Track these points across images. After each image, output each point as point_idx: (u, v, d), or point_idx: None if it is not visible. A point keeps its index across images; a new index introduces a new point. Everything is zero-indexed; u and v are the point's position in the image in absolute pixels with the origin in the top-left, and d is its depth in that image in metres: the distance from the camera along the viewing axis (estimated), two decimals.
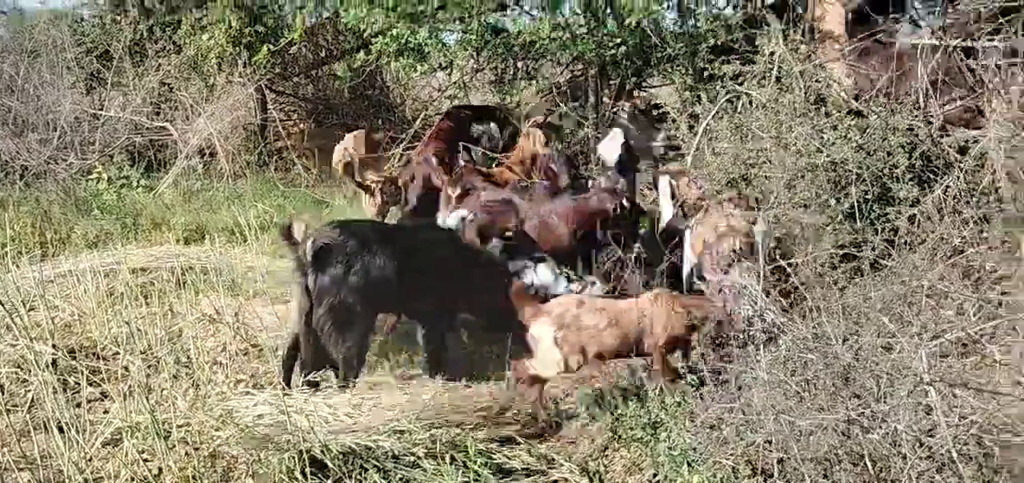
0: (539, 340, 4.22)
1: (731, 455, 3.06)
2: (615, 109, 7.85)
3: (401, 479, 3.56)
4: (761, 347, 3.30)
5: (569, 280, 5.12)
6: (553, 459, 3.87)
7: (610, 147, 6.53)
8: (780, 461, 2.94)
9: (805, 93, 4.84)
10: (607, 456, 3.88)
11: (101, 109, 10.57)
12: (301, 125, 11.64)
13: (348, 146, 7.99)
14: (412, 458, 3.69)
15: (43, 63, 10.96)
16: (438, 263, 4.70)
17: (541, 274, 5.07)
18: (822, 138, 4.44)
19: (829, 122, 4.60)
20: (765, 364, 3.09)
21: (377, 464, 3.60)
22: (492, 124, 8.35)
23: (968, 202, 3.97)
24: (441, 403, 4.19)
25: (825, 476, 2.82)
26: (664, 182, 5.24)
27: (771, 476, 2.93)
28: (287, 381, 4.46)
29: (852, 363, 2.91)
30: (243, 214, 7.82)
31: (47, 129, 10.14)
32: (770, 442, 2.94)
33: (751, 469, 3.01)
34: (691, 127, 6.28)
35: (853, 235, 4.10)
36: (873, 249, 3.89)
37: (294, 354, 4.51)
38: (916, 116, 4.67)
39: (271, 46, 9.74)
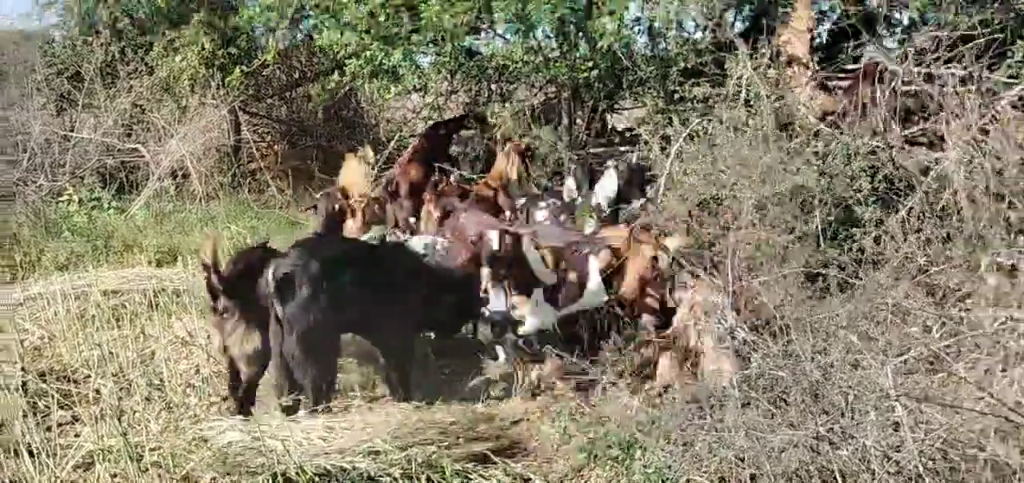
0: None
1: (705, 472, 3.11)
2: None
3: None
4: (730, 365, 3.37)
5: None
6: (529, 479, 3.90)
7: (606, 184, 6.51)
8: (752, 478, 3.00)
9: (774, 116, 4.95)
10: (582, 476, 3.91)
11: (72, 130, 10.48)
12: (275, 147, 11.62)
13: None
14: (388, 478, 3.69)
15: (12, 84, 10.86)
16: (398, 283, 4.67)
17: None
18: (786, 164, 4.55)
19: (794, 146, 4.71)
20: (736, 381, 3.15)
21: None
22: (472, 133, 8.42)
23: (931, 222, 4.07)
24: (414, 423, 4.21)
25: None
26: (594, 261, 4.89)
27: None
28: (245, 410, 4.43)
29: (821, 380, 2.98)
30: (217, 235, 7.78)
31: (16, 150, 10.05)
32: (742, 459, 3.00)
33: None
34: (663, 149, 6.37)
35: (819, 255, 4.19)
36: (840, 268, 3.98)
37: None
38: (877, 140, 4.80)
39: (244, 68, 9.74)
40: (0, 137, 10.28)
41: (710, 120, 5.77)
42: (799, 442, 2.87)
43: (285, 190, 10.12)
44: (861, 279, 3.85)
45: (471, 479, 3.78)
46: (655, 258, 4.38)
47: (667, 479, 3.22)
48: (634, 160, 7.65)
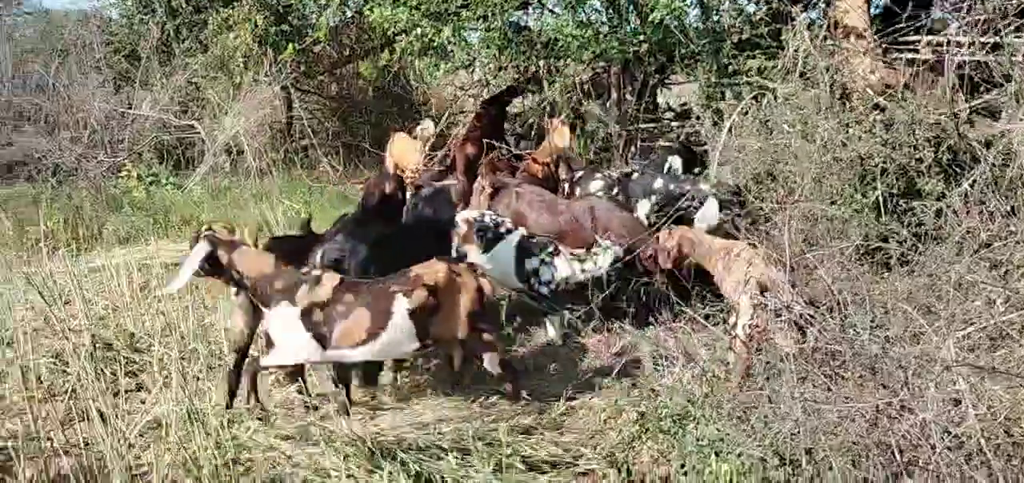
0: None
1: (759, 445, 3.09)
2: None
3: (425, 471, 3.61)
4: (787, 339, 3.33)
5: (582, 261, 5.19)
6: (580, 451, 3.93)
7: (708, 212, 5.89)
8: (808, 451, 2.98)
9: (830, 88, 4.85)
10: (634, 448, 3.93)
11: (129, 108, 10.74)
12: (326, 123, 11.77)
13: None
14: (436, 450, 3.76)
15: (73, 63, 11.16)
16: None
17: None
18: (847, 132, 4.46)
19: (854, 116, 4.62)
20: (792, 355, 3.12)
21: (403, 456, 3.67)
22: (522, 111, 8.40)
23: (995, 196, 3.97)
24: (463, 399, 4.29)
25: (853, 465, 2.85)
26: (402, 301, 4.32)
27: (799, 465, 2.97)
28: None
29: (879, 354, 2.94)
30: (271, 211, 7.95)
31: (78, 127, 10.34)
32: (798, 433, 2.98)
33: (779, 459, 3.04)
34: (715, 123, 6.31)
35: (879, 228, 4.11)
36: (900, 242, 3.90)
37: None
38: (942, 111, 4.67)
39: (296, 45, 9.87)
40: (62, 114, 10.57)
41: (765, 93, 5.69)
42: (856, 416, 2.84)
43: (336, 166, 10.25)
44: (922, 253, 3.77)
45: (522, 451, 3.82)
46: (480, 290, 4.10)
47: (720, 452, 3.22)
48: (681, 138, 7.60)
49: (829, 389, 2.98)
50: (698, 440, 3.33)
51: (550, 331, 5.28)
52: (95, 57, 11.27)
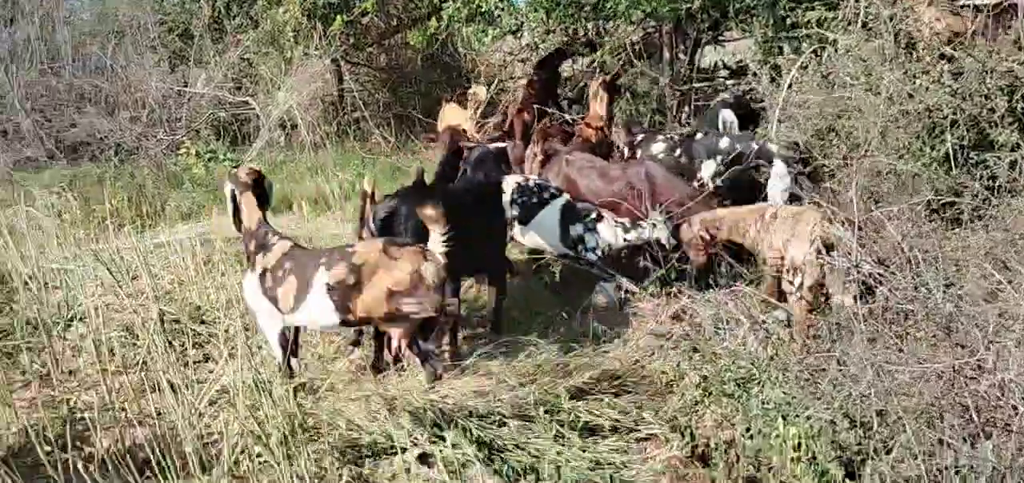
0: None
1: (828, 408, 3.03)
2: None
3: (485, 437, 3.63)
4: (857, 299, 3.24)
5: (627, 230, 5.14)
6: (641, 416, 3.91)
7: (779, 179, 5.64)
8: (880, 413, 2.91)
9: (895, 38, 4.67)
10: (697, 412, 3.89)
11: (185, 86, 10.93)
12: (376, 95, 11.82)
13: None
14: (498, 417, 3.77)
15: (128, 43, 11.38)
16: (495, 215, 5.00)
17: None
18: (914, 83, 4.29)
19: (921, 66, 4.44)
20: (862, 315, 3.04)
21: (465, 423, 3.69)
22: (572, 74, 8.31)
23: None
24: (522, 362, 4.29)
25: (928, 426, 2.78)
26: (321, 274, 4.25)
27: (870, 427, 2.90)
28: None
29: (954, 312, 2.84)
30: (326, 183, 8.03)
31: (136, 107, 10.56)
32: (868, 395, 2.91)
33: (850, 421, 2.98)
34: (773, 79, 6.15)
35: (950, 182, 3.96)
36: (973, 196, 3.75)
37: None
38: (1015, 58, 4.46)
39: (344, 17, 9.89)
40: (121, 94, 10.80)
41: (825, 46, 5.52)
42: (931, 376, 2.76)
43: (388, 137, 10.30)
44: (996, 207, 3.63)
45: (583, 416, 3.81)
46: (417, 272, 3.86)
47: (787, 415, 3.16)
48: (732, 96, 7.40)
49: (901, 349, 2.90)
50: (764, 403, 3.28)
51: (602, 296, 5.24)
52: (150, 37, 11.48)
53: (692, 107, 7.97)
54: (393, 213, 4.51)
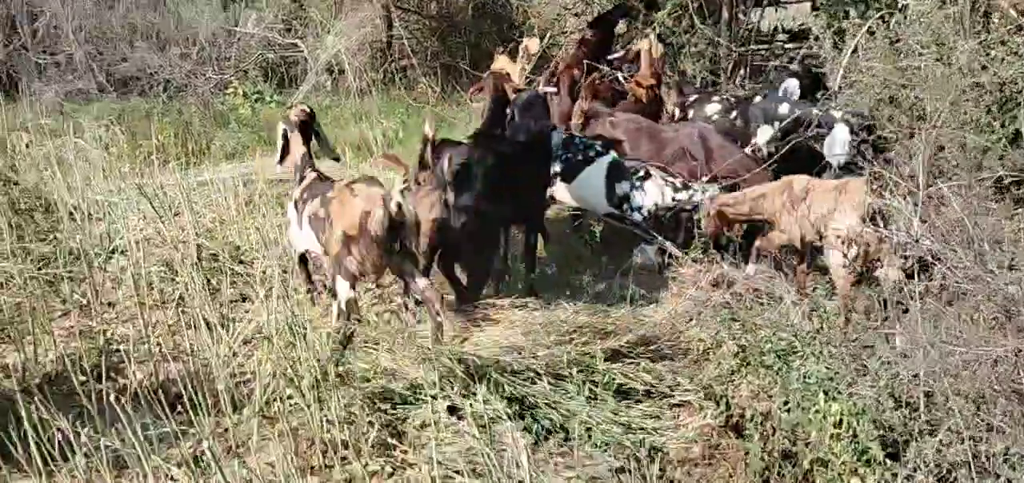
0: None
1: (873, 386, 2.90)
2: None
3: (517, 393, 3.57)
4: (915, 276, 3.08)
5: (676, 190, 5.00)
6: (677, 381, 3.81)
7: (838, 136, 5.37)
8: (927, 395, 2.78)
9: (972, 6, 4.41)
10: (733, 381, 3.78)
11: (236, 25, 10.94)
12: (425, 43, 11.70)
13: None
14: (531, 374, 3.71)
15: None
16: (542, 164, 4.99)
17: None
18: (988, 55, 4.05)
19: (997, 37, 4.18)
20: (918, 294, 2.88)
21: (498, 378, 3.63)
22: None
23: None
24: (557, 322, 4.21)
25: (977, 411, 2.64)
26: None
27: (916, 409, 2.77)
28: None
29: (1019, 296, 2.68)
30: (370, 130, 7.99)
31: (187, 44, 10.61)
32: (917, 376, 2.77)
33: (895, 401, 2.85)
34: (836, 45, 5.89)
35: (1020, 160, 3.74)
36: None
37: None
38: None
39: None
40: (173, 31, 10.86)
41: (894, 11, 5.26)
42: (986, 360, 2.61)
43: (434, 87, 10.20)
44: None
45: (617, 378, 3.73)
46: (368, 214, 3.79)
47: (829, 391, 3.04)
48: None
49: (959, 334, 2.75)
50: (804, 377, 3.16)
51: (641, 257, 5.12)
52: None
53: (748, 69, 7.71)
54: (465, 164, 4.46)
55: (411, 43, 11.21)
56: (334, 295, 4.10)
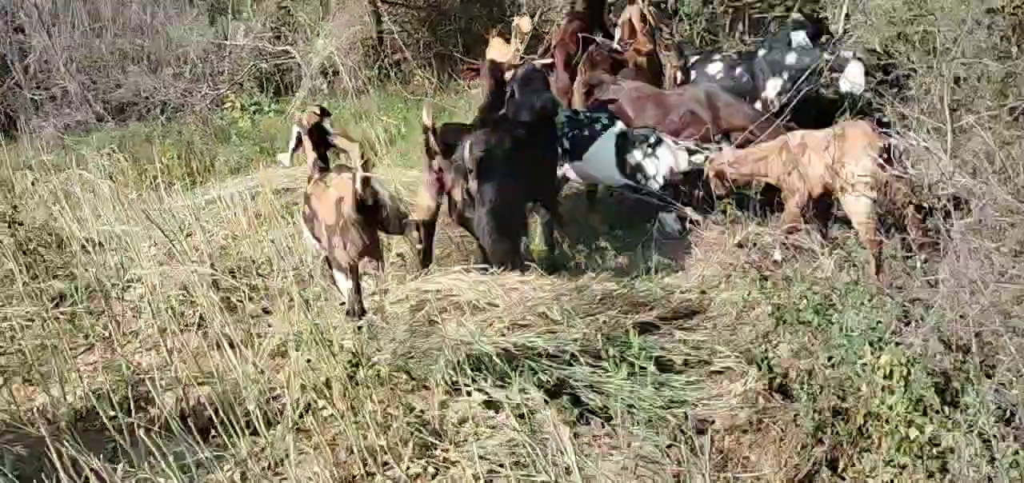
0: None
1: (920, 332, 2.83)
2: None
3: (559, 378, 3.52)
4: (951, 214, 2.99)
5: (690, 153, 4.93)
6: (714, 348, 3.75)
7: (852, 73, 5.27)
8: (978, 334, 2.70)
9: None
10: (770, 342, 3.71)
11: (225, 39, 10.84)
12: (416, 35, 11.58)
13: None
14: (567, 355, 3.64)
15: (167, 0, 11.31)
16: (552, 144, 4.99)
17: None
18: None
19: None
20: (958, 232, 2.80)
21: (533, 364, 3.57)
22: None
23: None
24: (586, 293, 4.14)
25: None
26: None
27: (969, 351, 2.70)
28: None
29: None
30: (371, 128, 7.91)
31: (178, 63, 10.52)
32: (966, 316, 2.69)
33: (945, 346, 2.77)
34: None
35: None
36: None
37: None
38: None
39: None
40: (163, 51, 10.76)
41: None
42: None
43: (431, 78, 10.09)
44: None
45: (653, 352, 3.66)
46: (340, 201, 3.86)
47: (874, 342, 2.96)
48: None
49: (1004, 268, 2.66)
50: (846, 331, 3.08)
51: (667, 224, 5.04)
52: None
53: (746, 24, 7.58)
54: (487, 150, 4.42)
55: (402, 36, 11.07)
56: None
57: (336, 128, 4.46)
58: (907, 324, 2.99)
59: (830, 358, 3.13)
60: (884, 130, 4.04)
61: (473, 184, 4.36)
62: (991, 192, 2.81)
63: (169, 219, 5.90)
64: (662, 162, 4.99)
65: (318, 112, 4.42)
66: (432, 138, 4.66)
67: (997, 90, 3.61)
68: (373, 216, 3.97)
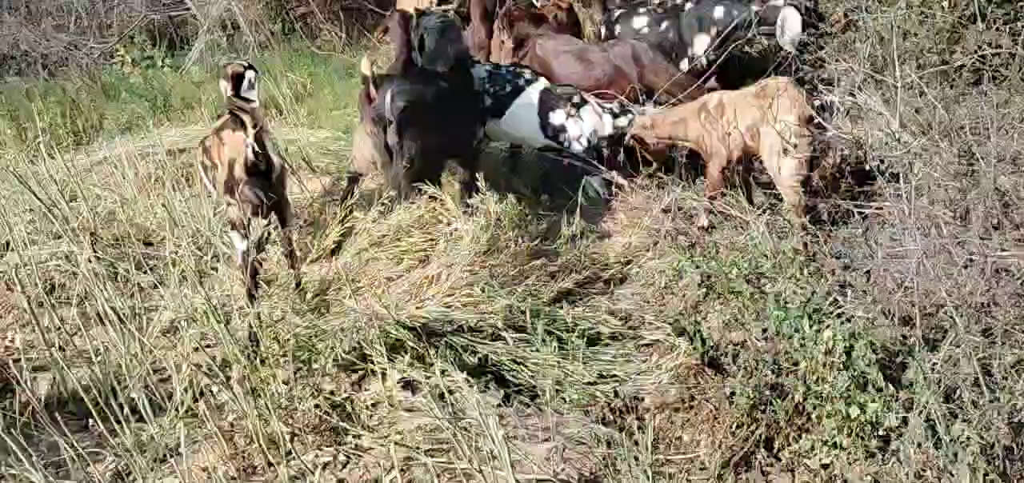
0: None
1: (862, 304, 2.70)
2: None
3: (477, 356, 3.28)
4: (902, 178, 2.84)
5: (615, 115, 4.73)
6: (642, 319, 3.57)
7: (790, 24, 4.94)
8: (921, 308, 2.59)
9: None
10: (699, 312, 3.57)
11: None
12: None
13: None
14: (490, 330, 3.40)
15: None
16: (472, 99, 4.75)
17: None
18: None
19: None
20: (909, 196, 2.66)
21: (452, 340, 3.32)
22: None
23: None
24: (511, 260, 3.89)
25: (978, 321, 2.46)
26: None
27: (912, 324, 2.58)
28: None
29: (1008, 188, 2.50)
30: (275, 87, 7.44)
31: (62, 14, 9.71)
32: (909, 287, 2.57)
33: (887, 318, 2.65)
34: None
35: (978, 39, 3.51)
36: (1012, 55, 3.34)
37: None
38: None
39: None
40: (45, 1, 9.91)
41: None
42: (987, 267, 2.42)
43: (339, 32, 9.59)
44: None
45: (581, 323, 3.46)
46: (233, 161, 3.78)
47: (811, 314, 2.82)
48: None
49: (954, 236, 2.55)
50: (783, 302, 2.93)
51: (591, 189, 4.82)
52: None
53: None
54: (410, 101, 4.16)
55: None
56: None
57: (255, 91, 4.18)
58: (845, 296, 2.85)
59: (764, 331, 2.99)
60: (809, 88, 3.91)
61: (392, 136, 4.10)
62: (941, 156, 2.69)
63: (51, 181, 5.36)
64: (586, 124, 4.77)
65: (244, 66, 4.29)
66: (372, 88, 4.38)
67: (944, 45, 3.48)
68: (267, 178, 3.79)
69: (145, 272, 4.37)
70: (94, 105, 7.75)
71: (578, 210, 4.42)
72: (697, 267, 3.61)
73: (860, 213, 3.55)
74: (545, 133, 4.85)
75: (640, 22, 5.49)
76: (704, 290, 3.51)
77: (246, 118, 3.72)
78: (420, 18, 4.74)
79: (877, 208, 3.13)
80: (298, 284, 4.00)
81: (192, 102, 7.57)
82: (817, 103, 3.83)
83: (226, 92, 4.27)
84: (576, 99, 4.81)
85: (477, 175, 4.58)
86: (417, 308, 3.36)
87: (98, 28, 9.64)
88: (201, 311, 3.60)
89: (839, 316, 2.71)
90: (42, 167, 5.60)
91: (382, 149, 4.22)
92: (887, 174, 2.94)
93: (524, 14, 6.53)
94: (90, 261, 4.17)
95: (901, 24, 3.53)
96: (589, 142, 4.76)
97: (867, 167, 3.23)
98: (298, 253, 4.14)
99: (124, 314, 3.70)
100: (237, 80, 4.22)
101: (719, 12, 5.15)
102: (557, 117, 4.81)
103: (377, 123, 4.19)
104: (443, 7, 6.54)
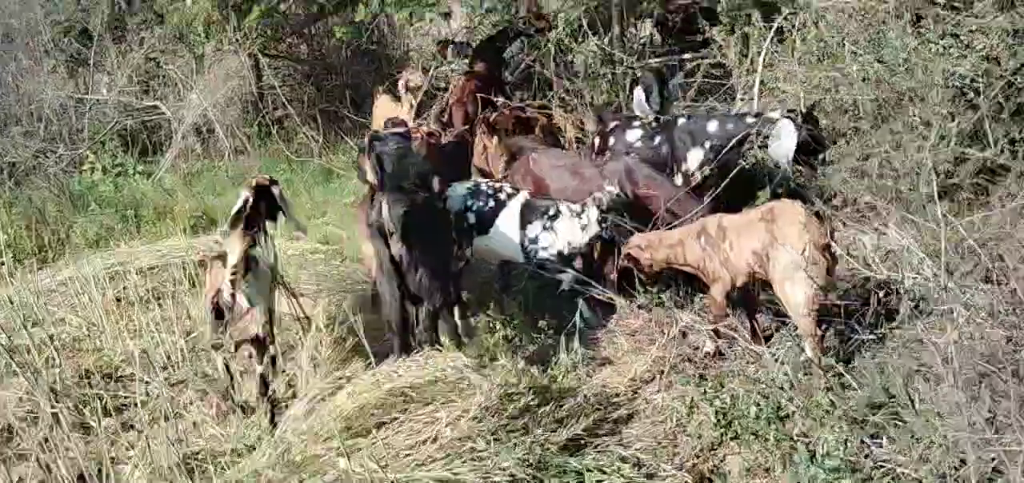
0: None
1: (907, 459, 2.47)
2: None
3: None
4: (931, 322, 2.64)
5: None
6: (655, 465, 3.31)
7: (785, 140, 4.83)
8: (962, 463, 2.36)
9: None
10: (717, 455, 3.32)
11: (86, 93, 9.84)
12: (299, 90, 10.90)
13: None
14: None
15: (19, 48, 10.22)
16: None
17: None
18: (930, 49, 3.73)
19: (937, 31, 3.86)
20: (952, 352, 2.45)
21: None
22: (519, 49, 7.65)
23: None
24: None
25: None
26: None
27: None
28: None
29: None
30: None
31: (31, 120, 9.46)
32: (948, 449, 2.35)
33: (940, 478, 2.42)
34: (744, 53, 5.60)
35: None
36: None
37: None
38: None
39: (263, 5, 8.97)
40: (13, 106, 9.66)
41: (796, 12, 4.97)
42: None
43: (316, 136, 9.43)
44: None
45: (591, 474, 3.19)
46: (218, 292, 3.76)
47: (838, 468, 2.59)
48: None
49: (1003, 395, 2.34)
50: (816, 454, 2.69)
51: (584, 311, 4.59)
52: (43, 40, 10.30)
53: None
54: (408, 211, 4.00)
55: (285, 92, 10.37)
56: None
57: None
58: (878, 443, 2.63)
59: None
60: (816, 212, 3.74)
61: (397, 246, 3.95)
62: (982, 295, 2.50)
63: (8, 307, 5.04)
64: (560, 236, 4.58)
65: (268, 180, 4.16)
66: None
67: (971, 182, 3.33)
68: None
69: (111, 414, 4.04)
70: (61, 217, 7.45)
71: (577, 335, 4.22)
72: (710, 403, 3.39)
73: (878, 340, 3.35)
74: (524, 249, 4.68)
75: (633, 135, 5.38)
76: (721, 430, 3.27)
77: (232, 254, 3.57)
78: (372, 141, 4.48)
79: (904, 341, 2.92)
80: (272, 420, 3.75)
81: (165, 213, 7.30)
82: (832, 229, 3.64)
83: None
84: (552, 211, 4.65)
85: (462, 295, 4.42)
86: (417, 467, 3.07)
87: (69, 134, 9.39)
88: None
89: (880, 468, 2.48)
90: (1, 291, 5.30)
91: (387, 262, 4.03)
92: (922, 314, 2.75)
93: (510, 118, 6.44)
94: (52, 406, 3.85)
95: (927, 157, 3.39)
96: (562, 254, 4.57)
97: (899, 309, 3.04)
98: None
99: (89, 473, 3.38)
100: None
101: (713, 126, 5.05)
102: (533, 228, 4.65)
103: (377, 235, 4.03)
104: (417, 121, 6.43)
